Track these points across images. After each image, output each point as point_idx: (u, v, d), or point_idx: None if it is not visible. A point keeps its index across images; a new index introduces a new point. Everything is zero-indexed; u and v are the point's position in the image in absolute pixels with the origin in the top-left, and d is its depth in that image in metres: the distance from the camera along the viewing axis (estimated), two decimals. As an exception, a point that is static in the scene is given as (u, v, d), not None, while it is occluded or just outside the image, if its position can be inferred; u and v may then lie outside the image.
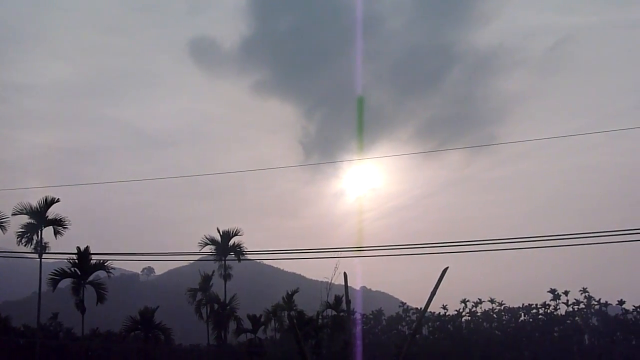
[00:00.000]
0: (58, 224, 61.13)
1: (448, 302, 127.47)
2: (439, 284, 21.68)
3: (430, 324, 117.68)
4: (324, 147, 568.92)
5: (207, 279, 77.24)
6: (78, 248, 64.61)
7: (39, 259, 60.36)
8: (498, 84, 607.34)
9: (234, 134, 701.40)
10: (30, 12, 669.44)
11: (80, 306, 63.86)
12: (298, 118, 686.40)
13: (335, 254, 25.13)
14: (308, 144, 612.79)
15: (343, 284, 25.48)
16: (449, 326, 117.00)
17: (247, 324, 77.65)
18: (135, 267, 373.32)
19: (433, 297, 21.92)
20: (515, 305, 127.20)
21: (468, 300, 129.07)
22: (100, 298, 64.97)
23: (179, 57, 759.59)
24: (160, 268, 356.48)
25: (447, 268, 21.81)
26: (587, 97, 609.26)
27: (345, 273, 24.78)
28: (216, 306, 76.76)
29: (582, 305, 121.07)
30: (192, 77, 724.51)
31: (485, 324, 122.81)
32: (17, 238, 59.46)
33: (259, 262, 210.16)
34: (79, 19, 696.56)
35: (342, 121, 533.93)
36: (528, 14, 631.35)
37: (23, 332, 78.37)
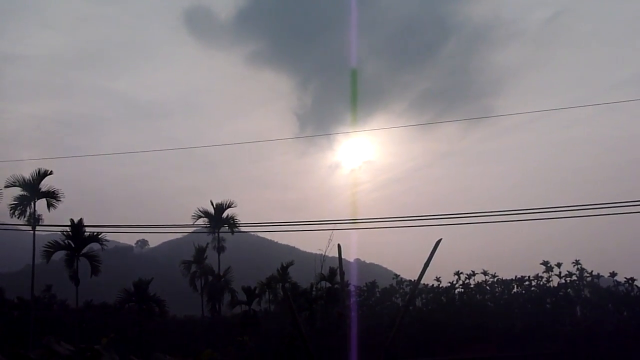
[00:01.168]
0: (51, 196, 60.82)
1: (441, 274, 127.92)
2: (432, 256, 21.58)
3: (423, 295, 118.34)
4: (318, 119, 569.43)
5: (201, 251, 77.30)
6: (72, 220, 64.61)
7: (32, 232, 60.27)
8: (494, 56, 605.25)
9: (229, 105, 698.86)
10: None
11: (74, 278, 64.02)
12: (293, 89, 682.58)
13: (330, 226, 25.05)
14: (303, 115, 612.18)
15: (337, 256, 25.39)
16: (442, 298, 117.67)
17: (242, 296, 77.94)
18: (129, 239, 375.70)
19: (426, 269, 21.82)
20: (508, 277, 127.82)
21: (461, 272, 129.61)
22: (94, 270, 65.09)
23: (173, 27, 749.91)
24: (154, 240, 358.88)
25: (440, 240, 21.67)
26: (584, 69, 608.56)
27: (339, 245, 24.64)
28: (210, 278, 76.98)
29: (574, 277, 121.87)
30: (186, 47, 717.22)
31: (478, 295, 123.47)
32: (10, 210, 59.26)
33: (253, 235, 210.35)
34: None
35: (337, 93, 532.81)
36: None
37: (17, 304, 78.42)
